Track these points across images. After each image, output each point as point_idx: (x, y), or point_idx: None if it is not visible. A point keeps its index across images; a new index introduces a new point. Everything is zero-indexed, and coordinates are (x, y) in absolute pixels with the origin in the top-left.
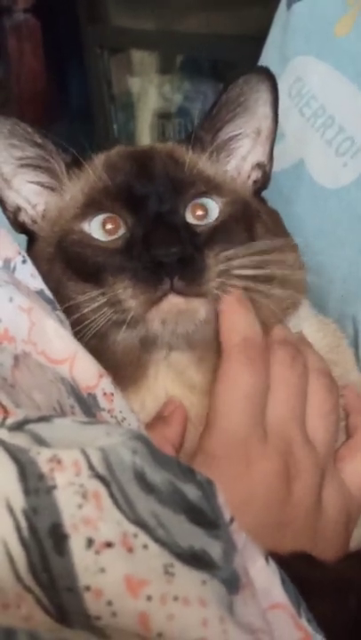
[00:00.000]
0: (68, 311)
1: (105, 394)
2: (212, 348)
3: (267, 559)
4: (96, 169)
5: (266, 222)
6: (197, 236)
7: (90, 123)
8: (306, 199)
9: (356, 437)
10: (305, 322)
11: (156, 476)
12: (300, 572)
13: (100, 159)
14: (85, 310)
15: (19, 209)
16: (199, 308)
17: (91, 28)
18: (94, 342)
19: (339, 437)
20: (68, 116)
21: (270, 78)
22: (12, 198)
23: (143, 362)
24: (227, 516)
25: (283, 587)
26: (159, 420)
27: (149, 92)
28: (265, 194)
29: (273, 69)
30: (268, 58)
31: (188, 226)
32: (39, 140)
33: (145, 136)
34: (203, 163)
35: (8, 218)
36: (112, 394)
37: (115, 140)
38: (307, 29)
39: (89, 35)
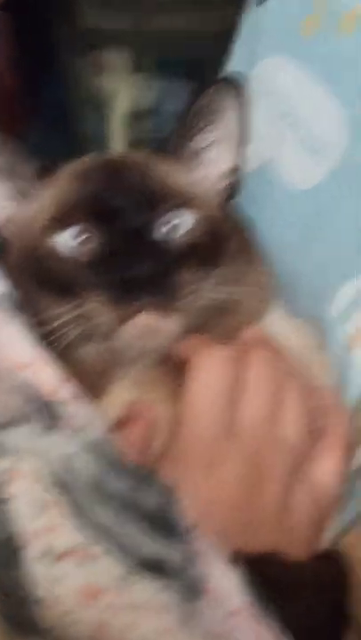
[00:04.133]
0: (37, 323)
1: (68, 400)
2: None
3: (231, 563)
4: (66, 179)
5: (235, 239)
6: (170, 252)
7: (62, 122)
8: (276, 200)
9: (327, 439)
10: (278, 324)
11: (116, 485)
12: (271, 572)
13: (70, 168)
14: (55, 324)
15: None
16: (170, 325)
17: (62, 26)
18: (63, 354)
19: (312, 438)
20: (40, 116)
21: (239, 85)
22: None
23: (110, 374)
24: (188, 522)
25: (245, 590)
26: (124, 424)
27: (123, 92)
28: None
29: (242, 69)
30: (237, 58)
31: (159, 240)
32: (8, 147)
33: (118, 136)
34: (176, 173)
35: None
36: (75, 400)
37: (88, 139)
38: (275, 28)
39: (60, 33)
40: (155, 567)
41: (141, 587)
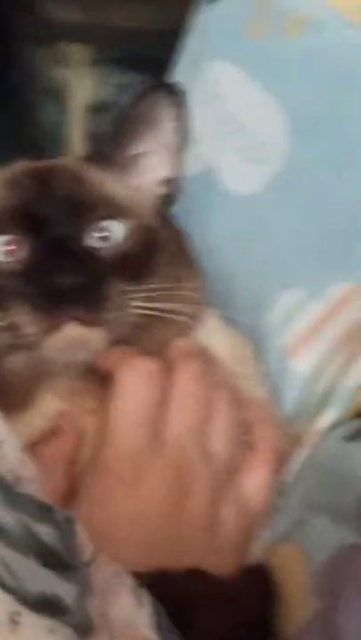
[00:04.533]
0: None
1: None
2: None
3: (140, 589)
4: None
5: (168, 250)
6: (99, 262)
7: (19, 114)
8: (216, 205)
9: (256, 452)
10: (212, 334)
11: (7, 518)
12: (191, 587)
13: (1, 175)
14: None
15: None
16: (96, 338)
17: (18, 17)
18: None
19: (241, 452)
20: None
21: (176, 92)
22: None
23: (38, 384)
24: (86, 554)
25: (153, 619)
26: (51, 435)
27: (79, 85)
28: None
29: (188, 71)
30: (184, 59)
31: (89, 250)
32: None
33: (76, 129)
34: (108, 181)
35: None
36: None
37: (45, 132)
38: (220, 31)
39: (16, 25)
40: (45, 606)
41: (29, 628)
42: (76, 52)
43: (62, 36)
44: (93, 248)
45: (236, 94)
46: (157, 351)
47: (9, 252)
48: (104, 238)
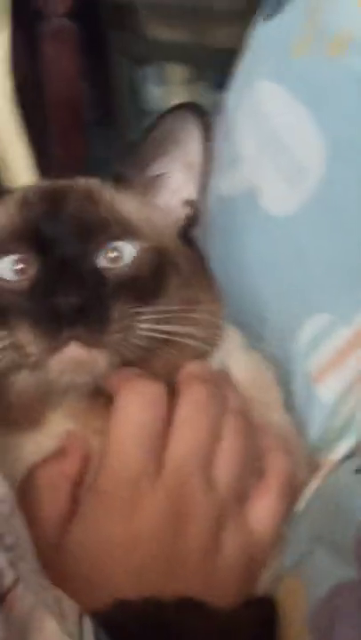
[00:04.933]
0: None
1: None
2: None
3: (80, 616)
4: (11, 205)
5: (183, 272)
6: (106, 284)
7: (120, 133)
8: (254, 226)
9: (265, 481)
10: (231, 356)
11: None
12: (183, 618)
13: (16, 194)
14: None
15: None
16: (99, 360)
17: (118, 37)
18: None
19: (248, 480)
20: (100, 126)
21: (200, 114)
22: None
23: (41, 405)
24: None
25: None
26: (57, 455)
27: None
28: (218, 222)
29: (239, 92)
30: (236, 79)
31: (97, 271)
32: None
33: None
34: (124, 202)
35: None
36: None
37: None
38: (270, 50)
39: (116, 44)
40: None
41: None
42: (174, 71)
43: (161, 56)
44: (101, 269)
45: (280, 114)
46: (168, 375)
47: (18, 271)
48: (114, 259)
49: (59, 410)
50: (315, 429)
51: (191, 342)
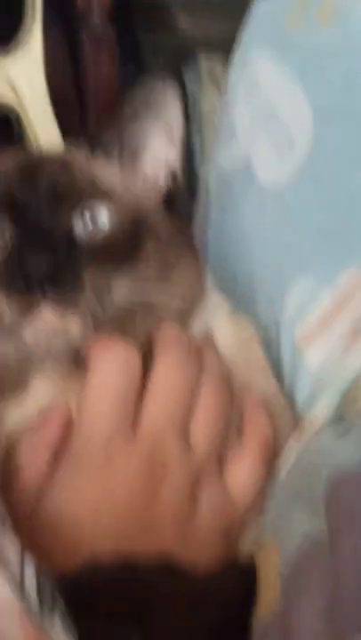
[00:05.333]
0: None
1: None
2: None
3: (22, 556)
4: None
5: (161, 238)
6: (79, 249)
7: None
8: (248, 198)
9: (244, 442)
10: (215, 321)
11: None
12: (159, 581)
13: None
14: None
15: None
16: (72, 324)
17: (151, 35)
18: None
19: (229, 441)
20: None
21: (176, 83)
22: None
23: (23, 372)
24: None
25: (34, 584)
26: (38, 422)
27: (207, 98)
28: (217, 195)
29: (237, 68)
30: (236, 57)
31: (70, 236)
32: None
33: (205, 141)
34: (100, 169)
35: None
36: None
37: None
38: (264, 25)
39: (148, 38)
40: None
41: None
42: (207, 65)
43: (194, 49)
44: (75, 234)
45: (272, 86)
46: (146, 340)
47: None
48: (89, 224)
49: (40, 377)
50: (302, 395)
51: (168, 307)
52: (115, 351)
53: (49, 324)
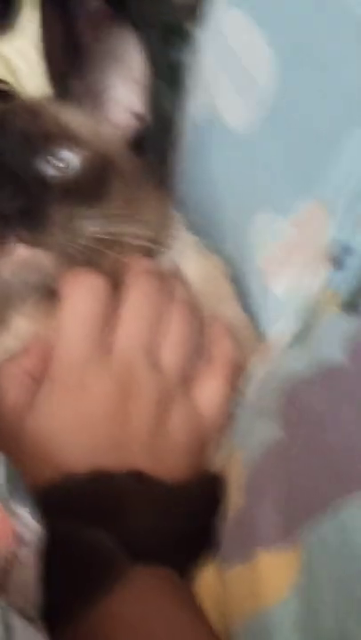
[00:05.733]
0: None
1: None
2: None
3: None
4: None
5: (128, 178)
6: (48, 188)
7: None
8: (217, 142)
9: (211, 365)
10: (183, 256)
11: None
12: (129, 487)
13: None
14: None
15: None
16: (44, 259)
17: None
18: None
19: (194, 364)
20: None
21: (137, 28)
22: None
23: (4, 307)
24: None
25: (3, 476)
26: (20, 353)
27: None
28: (188, 143)
29: (205, 22)
30: (205, 13)
31: (39, 178)
32: None
33: None
34: (66, 115)
35: None
36: None
37: (167, 120)
38: None
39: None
40: None
41: None
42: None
43: (181, 16)
44: (43, 175)
45: (235, 34)
46: (116, 274)
47: None
48: (58, 168)
49: (21, 311)
50: (269, 322)
51: (137, 241)
52: (85, 280)
53: (21, 259)
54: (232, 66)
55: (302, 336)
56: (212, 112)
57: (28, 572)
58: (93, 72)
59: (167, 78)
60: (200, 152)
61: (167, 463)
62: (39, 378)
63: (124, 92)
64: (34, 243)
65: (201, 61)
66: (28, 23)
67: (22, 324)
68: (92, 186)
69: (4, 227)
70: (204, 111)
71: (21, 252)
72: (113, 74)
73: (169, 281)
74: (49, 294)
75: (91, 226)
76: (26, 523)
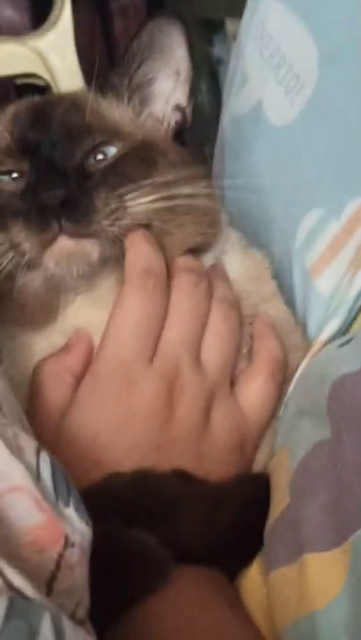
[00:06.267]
0: None
1: None
2: (117, 287)
3: (38, 451)
4: (3, 121)
5: (171, 159)
6: (90, 178)
7: None
8: (262, 140)
9: (255, 363)
10: (227, 254)
11: None
12: (175, 488)
13: (8, 111)
14: None
15: None
16: (90, 248)
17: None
18: (6, 285)
19: (241, 364)
20: None
21: (180, 21)
22: None
23: (51, 303)
24: None
25: (50, 477)
26: (62, 349)
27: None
28: (230, 139)
29: (247, 17)
30: (247, 7)
31: (81, 169)
32: None
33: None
34: (109, 108)
35: None
36: None
37: (199, 107)
38: None
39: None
40: None
41: None
42: (233, 28)
43: (216, 11)
44: (85, 166)
45: (280, 29)
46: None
47: (14, 179)
48: (101, 158)
49: (68, 307)
50: (314, 321)
51: (194, 201)
52: (140, 279)
53: (66, 250)
54: (277, 62)
55: (348, 335)
56: (256, 108)
57: (76, 573)
58: (135, 64)
59: (203, 73)
60: (244, 148)
61: (210, 462)
62: (80, 375)
63: (167, 85)
64: (77, 233)
65: (244, 57)
66: (62, 18)
67: (69, 320)
68: (133, 166)
69: (46, 218)
70: (247, 107)
71: (65, 243)
72: (156, 66)
73: (212, 279)
74: (93, 286)
75: (136, 200)
76: (74, 524)
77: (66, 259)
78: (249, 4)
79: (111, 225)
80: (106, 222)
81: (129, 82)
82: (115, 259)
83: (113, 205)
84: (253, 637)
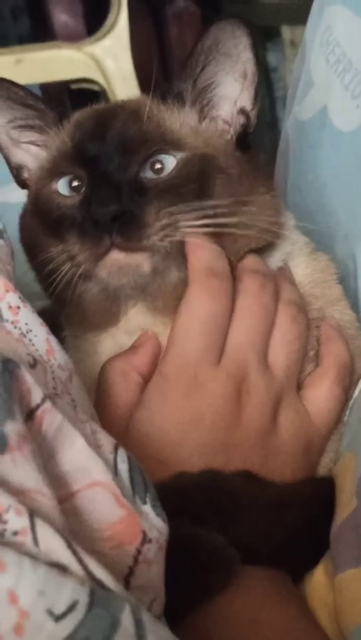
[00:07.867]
0: (42, 264)
1: (10, 307)
2: (175, 295)
3: (115, 447)
4: (67, 129)
5: (232, 176)
6: (145, 192)
7: None
8: (326, 144)
9: (322, 367)
10: (294, 258)
11: None
12: (242, 487)
13: (72, 119)
14: (52, 265)
15: (20, 167)
16: (141, 262)
17: (235, 9)
18: (66, 293)
19: (308, 367)
20: None
21: (246, 24)
22: (15, 157)
23: (110, 309)
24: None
25: (127, 473)
26: (129, 350)
27: (287, 67)
28: (295, 144)
29: (312, 24)
30: (311, 14)
31: (136, 181)
32: (31, 101)
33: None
34: (171, 116)
35: (13, 175)
36: (18, 307)
37: None
38: None
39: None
40: None
41: None
42: (289, 35)
43: (272, 18)
44: (142, 179)
45: (346, 34)
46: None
47: (75, 189)
48: (156, 171)
49: (133, 309)
50: None
51: (245, 230)
52: (208, 280)
53: (117, 263)
54: (343, 67)
55: None
56: (322, 113)
57: (153, 569)
58: (199, 68)
59: (261, 79)
60: (308, 153)
61: (275, 464)
62: (147, 375)
63: (234, 88)
64: (128, 247)
65: (309, 62)
66: (118, 24)
67: (134, 320)
68: (189, 184)
69: (99, 232)
70: (312, 112)
71: (116, 257)
72: (222, 69)
73: (279, 281)
74: (152, 294)
75: (188, 221)
76: (151, 520)
77: (118, 271)
78: (314, 11)
79: (161, 240)
80: (156, 237)
81: (193, 85)
82: (172, 267)
83: (164, 221)
84: (320, 639)
